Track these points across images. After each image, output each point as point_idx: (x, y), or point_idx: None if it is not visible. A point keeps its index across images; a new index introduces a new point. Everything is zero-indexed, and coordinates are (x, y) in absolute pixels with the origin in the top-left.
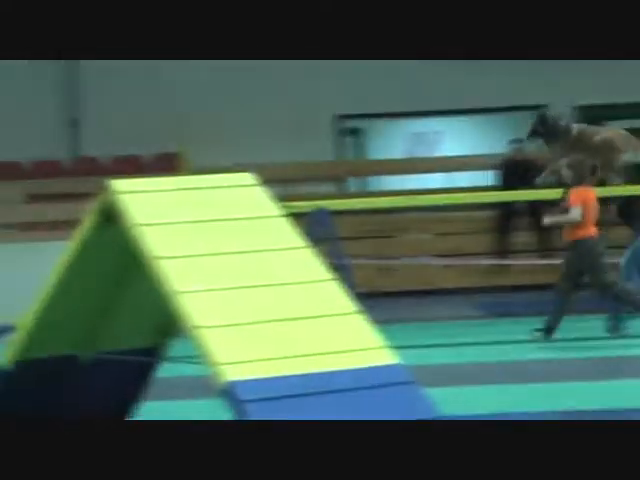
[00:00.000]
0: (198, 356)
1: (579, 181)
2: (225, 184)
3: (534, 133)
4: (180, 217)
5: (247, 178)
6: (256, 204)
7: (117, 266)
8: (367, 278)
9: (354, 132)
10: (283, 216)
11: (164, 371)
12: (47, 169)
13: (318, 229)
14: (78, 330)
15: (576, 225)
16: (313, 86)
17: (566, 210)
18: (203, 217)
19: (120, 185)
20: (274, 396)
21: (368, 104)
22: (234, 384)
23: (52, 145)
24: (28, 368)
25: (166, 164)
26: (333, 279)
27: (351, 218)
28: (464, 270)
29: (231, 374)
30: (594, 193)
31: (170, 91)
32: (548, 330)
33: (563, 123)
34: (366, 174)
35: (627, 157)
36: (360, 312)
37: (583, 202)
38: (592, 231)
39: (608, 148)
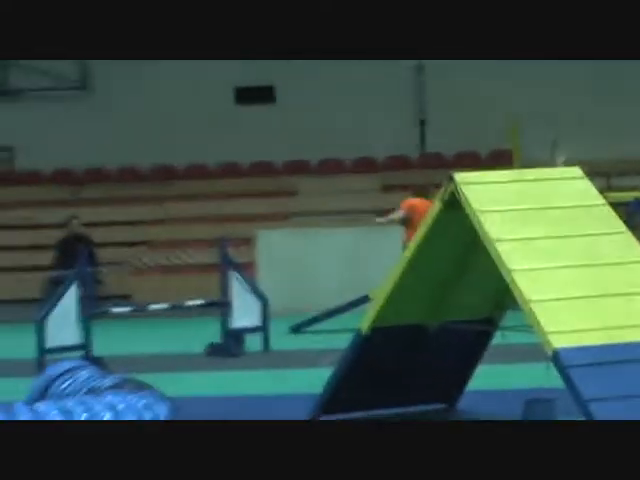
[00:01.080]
0: (529, 326)
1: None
2: (555, 176)
3: None
4: (514, 205)
5: (575, 171)
6: (582, 194)
7: (459, 246)
8: None
9: None
10: (606, 205)
11: (499, 338)
12: (398, 163)
13: (636, 217)
14: (426, 302)
15: (411, 229)
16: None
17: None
18: (535, 205)
19: (462, 177)
20: (596, 362)
21: None
22: (560, 351)
23: (403, 142)
24: (382, 334)
25: (501, 159)
26: None
27: None
28: None
29: (558, 342)
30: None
31: (504, 93)
32: None
33: None
34: None
35: None
36: None
37: (409, 207)
38: None
39: None
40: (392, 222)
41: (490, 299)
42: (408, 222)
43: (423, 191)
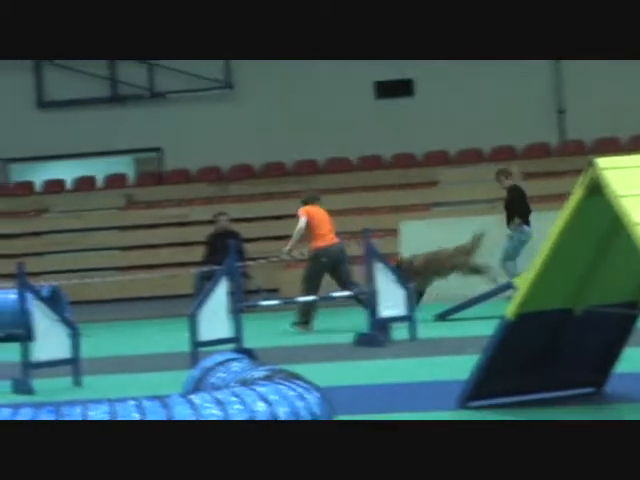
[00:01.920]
0: None
1: (307, 202)
2: None
3: None
4: None
5: None
6: None
7: (602, 231)
8: None
9: None
10: None
11: None
12: (538, 151)
13: None
14: (570, 287)
15: (311, 238)
16: None
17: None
18: None
19: (603, 162)
20: None
21: None
22: None
23: (543, 130)
24: (528, 320)
25: None
26: None
27: None
28: None
29: None
30: (321, 211)
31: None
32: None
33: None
34: None
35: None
36: None
37: (306, 213)
38: (324, 243)
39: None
40: (301, 233)
41: (634, 282)
42: (308, 230)
43: (312, 199)
